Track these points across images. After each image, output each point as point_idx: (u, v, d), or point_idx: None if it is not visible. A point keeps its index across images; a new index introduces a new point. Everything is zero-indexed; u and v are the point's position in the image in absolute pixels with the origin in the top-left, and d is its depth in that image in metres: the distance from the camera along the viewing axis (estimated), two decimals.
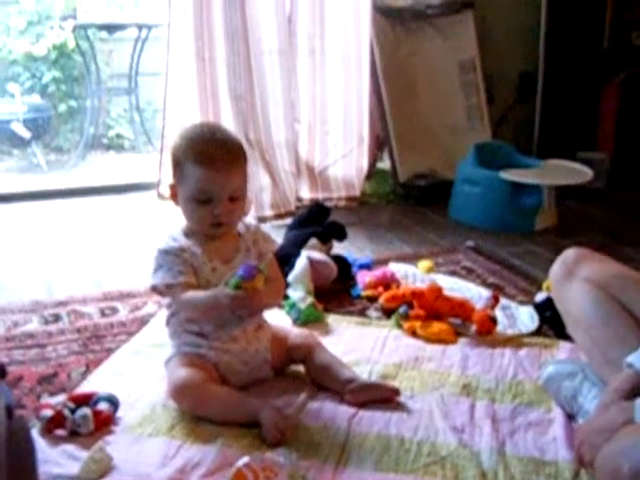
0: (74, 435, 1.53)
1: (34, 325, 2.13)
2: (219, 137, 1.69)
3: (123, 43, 4.96)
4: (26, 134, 4.67)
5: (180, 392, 1.59)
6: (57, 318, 2.18)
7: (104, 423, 1.56)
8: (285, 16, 3.26)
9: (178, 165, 1.67)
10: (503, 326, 2.07)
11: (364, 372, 1.79)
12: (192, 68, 3.19)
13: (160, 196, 3.39)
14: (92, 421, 1.54)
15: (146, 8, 4.90)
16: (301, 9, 3.34)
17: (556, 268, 1.73)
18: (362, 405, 1.63)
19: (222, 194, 1.63)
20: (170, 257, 1.65)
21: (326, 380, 1.70)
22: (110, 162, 5.12)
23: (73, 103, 5.21)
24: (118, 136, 5.36)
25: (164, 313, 1.79)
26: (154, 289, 1.67)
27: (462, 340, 2.00)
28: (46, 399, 1.68)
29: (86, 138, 4.86)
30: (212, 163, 1.62)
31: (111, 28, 4.83)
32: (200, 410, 1.57)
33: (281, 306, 2.13)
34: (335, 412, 1.61)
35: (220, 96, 3.22)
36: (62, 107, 5.19)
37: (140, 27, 4.61)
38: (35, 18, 5.03)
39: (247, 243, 1.74)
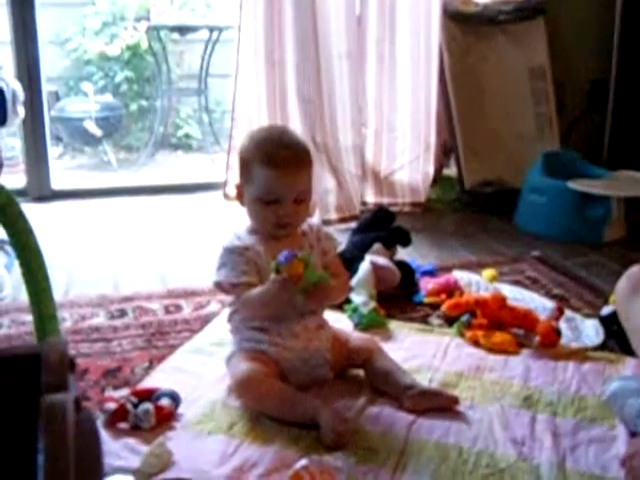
0: (136, 429, 1.55)
1: (100, 319, 2.18)
2: (286, 140, 1.72)
3: (194, 44, 5.04)
4: (98, 132, 4.78)
5: (242, 385, 1.61)
6: (123, 313, 2.22)
7: (165, 419, 1.58)
8: (355, 20, 3.27)
9: (245, 166, 1.71)
10: (567, 339, 2.03)
11: (424, 379, 1.78)
12: (261, 70, 3.22)
13: (226, 196, 3.43)
14: (154, 416, 1.56)
15: (218, 10, 4.97)
16: (371, 13, 3.34)
17: (621, 283, 1.69)
18: (421, 412, 1.62)
19: (288, 195, 1.65)
20: (234, 256, 1.68)
21: (386, 385, 1.69)
22: (178, 161, 5.20)
23: (144, 103, 5.32)
24: (187, 136, 5.45)
25: (227, 312, 1.81)
26: (217, 285, 1.70)
27: (525, 351, 1.97)
28: (110, 392, 1.71)
29: (155, 137, 4.94)
30: (279, 165, 1.65)
31: (183, 30, 4.91)
32: (260, 405, 1.59)
33: (343, 310, 2.14)
34: (394, 418, 1.60)
35: (288, 99, 3.24)
36: (133, 106, 5.30)
37: (211, 29, 4.67)
38: (110, 19, 5.15)
39: (311, 241, 1.76)
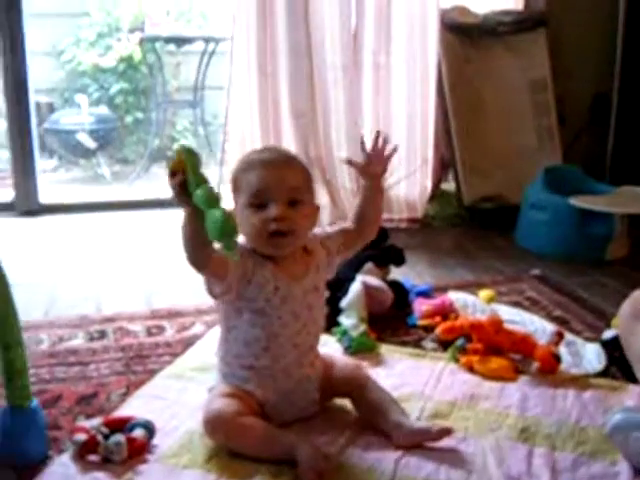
0: (107, 462, 1.46)
1: (79, 341, 2.09)
2: (272, 148, 1.64)
3: (191, 56, 4.97)
4: (92, 144, 4.71)
5: (211, 424, 1.49)
6: (103, 335, 2.13)
7: (138, 451, 1.49)
8: (350, 31, 3.20)
9: (235, 184, 1.57)
10: (567, 364, 1.92)
11: (415, 409, 1.68)
12: (254, 83, 3.16)
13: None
14: (126, 448, 1.47)
15: (214, 21, 4.90)
16: (367, 24, 3.26)
17: (624, 308, 1.60)
18: (411, 448, 1.52)
19: (278, 195, 1.49)
20: None
21: (374, 420, 1.58)
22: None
23: (139, 115, 5.24)
24: None
25: (212, 335, 1.71)
26: None
27: (522, 378, 1.86)
28: (82, 421, 1.62)
29: (150, 150, 4.87)
30: (264, 164, 1.53)
31: (178, 41, 4.84)
32: (233, 445, 1.48)
33: (332, 333, 2.04)
34: (381, 452, 1.50)
35: (282, 112, 3.18)
36: (129, 119, 5.22)
37: (207, 40, 4.61)
38: (105, 30, 5.08)
39: (318, 260, 1.60)
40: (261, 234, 1.50)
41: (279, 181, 1.51)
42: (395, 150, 1.65)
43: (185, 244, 1.40)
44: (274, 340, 1.55)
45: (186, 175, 1.34)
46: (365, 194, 1.65)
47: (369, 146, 1.61)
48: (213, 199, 1.31)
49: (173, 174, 1.35)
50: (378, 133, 1.63)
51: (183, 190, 1.33)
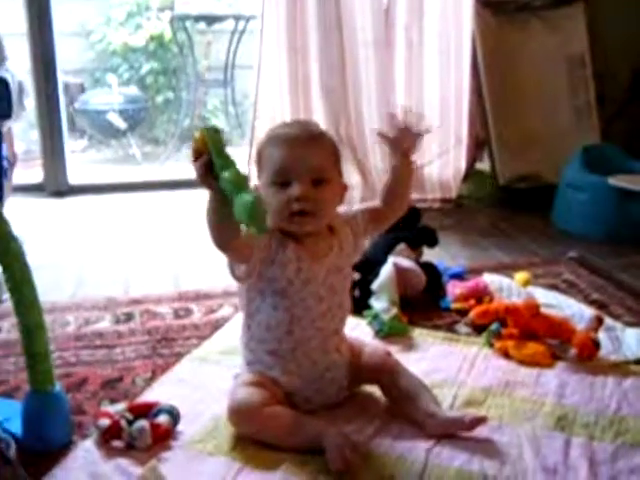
0: (130, 448, 1.43)
1: (105, 324, 2.06)
2: (300, 121, 1.60)
3: (221, 35, 4.91)
4: (122, 125, 4.69)
5: (236, 415, 1.45)
6: (129, 317, 2.10)
7: (162, 437, 1.46)
8: (381, 6, 3.12)
9: (259, 157, 1.53)
10: (606, 350, 1.85)
11: (448, 396, 1.62)
12: (284, 59, 3.10)
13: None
14: (149, 435, 1.44)
15: None
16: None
17: None
18: (443, 437, 1.46)
19: (301, 173, 1.43)
20: None
21: (405, 409, 1.53)
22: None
23: (170, 95, 5.21)
24: None
25: (239, 317, 1.67)
26: None
27: (559, 364, 1.80)
28: (106, 406, 1.58)
29: (181, 130, 4.84)
30: (287, 140, 1.47)
31: (208, 19, 4.78)
32: (259, 435, 1.43)
33: (363, 316, 1.99)
34: (411, 442, 1.45)
35: (312, 89, 3.12)
36: (159, 98, 5.19)
37: (237, 18, 4.54)
38: (135, 9, 5.04)
39: (342, 240, 1.55)
40: (284, 213, 1.46)
41: (303, 160, 1.45)
42: (428, 130, 1.58)
43: (210, 226, 1.36)
44: (297, 323, 1.50)
45: (211, 156, 1.28)
46: (394, 171, 1.60)
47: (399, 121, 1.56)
48: (241, 182, 1.25)
49: (197, 155, 1.29)
50: (408, 109, 1.57)
51: (208, 172, 1.28)
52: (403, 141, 1.56)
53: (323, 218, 1.50)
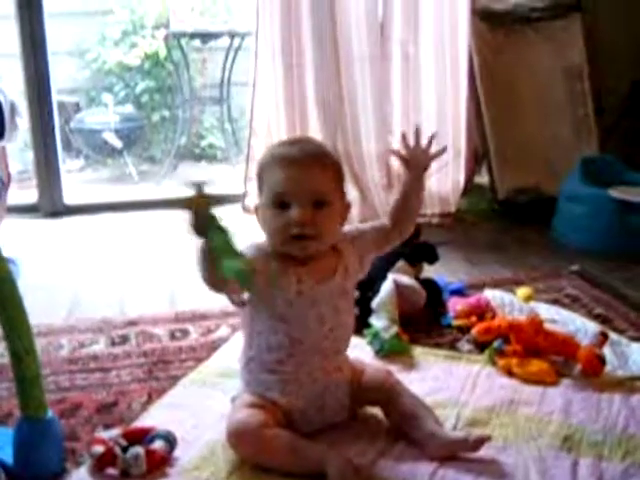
0: (125, 476, 1.39)
1: (100, 346, 2.02)
2: (301, 141, 1.57)
3: (217, 52, 4.90)
4: (118, 144, 4.66)
5: (236, 437, 1.41)
6: (125, 339, 2.06)
7: (158, 464, 1.42)
8: (377, 21, 3.10)
9: (259, 177, 1.51)
10: (612, 366, 1.82)
11: (451, 416, 1.59)
12: (279, 75, 3.09)
13: (245, 209, 3.27)
14: (144, 462, 1.40)
15: (239, 16, 4.82)
16: (395, 13, 3.15)
17: None
18: (446, 459, 1.42)
19: (301, 196, 1.41)
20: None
21: (407, 430, 1.49)
22: (202, 173, 5.06)
23: (166, 113, 5.18)
24: (210, 146, 5.30)
25: (237, 338, 1.63)
26: None
27: (564, 382, 1.76)
28: (100, 432, 1.55)
29: (178, 148, 4.81)
30: (290, 163, 1.44)
31: (204, 37, 4.76)
32: (259, 458, 1.40)
33: (363, 335, 1.95)
34: (414, 465, 1.41)
35: (308, 105, 3.10)
36: (155, 117, 5.16)
37: (232, 35, 4.52)
38: (130, 28, 5.03)
39: (347, 260, 1.52)
40: (284, 236, 1.44)
41: (303, 183, 1.43)
42: (442, 150, 1.62)
43: (200, 269, 1.39)
44: (298, 346, 1.47)
45: (201, 216, 1.31)
46: (405, 189, 1.57)
47: (412, 141, 1.55)
48: (229, 249, 1.30)
49: (193, 211, 1.31)
50: (418, 129, 1.56)
51: (199, 234, 1.33)
52: (417, 160, 1.54)
53: (325, 241, 1.47)
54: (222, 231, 1.31)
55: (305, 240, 1.43)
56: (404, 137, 1.56)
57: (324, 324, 1.49)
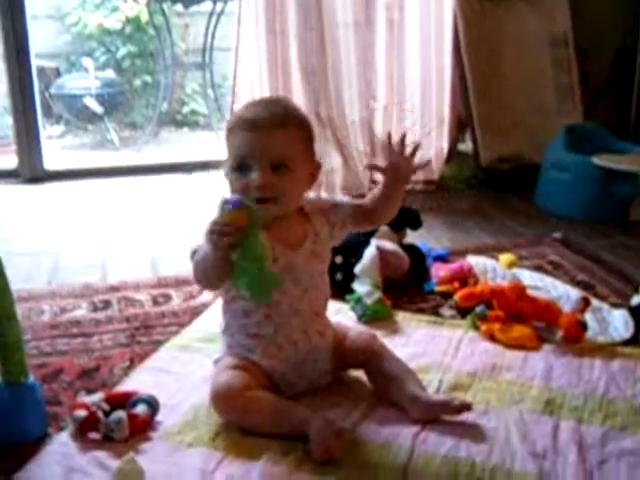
0: (108, 440, 1.38)
1: (82, 311, 2.01)
2: (267, 101, 1.54)
3: (199, 17, 4.84)
4: (99, 109, 4.61)
5: (219, 399, 1.40)
6: (107, 305, 2.05)
7: (140, 428, 1.41)
8: None
9: (226, 141, 1.49)
10: (593, 332, 1.82)
11: (434, 380, 1.59)
12: (262, 41, 3.04)
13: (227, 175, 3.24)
14: (127, 426, 1.39)
15: None
16: None
17: None
18: (429, 422, 1.43)
19: (259, 159, 1.40)
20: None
21: (389, 392, 1.49)
22: (183, 139, 5.03)
23: (148, 78, 5.13)
24: (193, 112, 5.27)
25: (219, 303, 1.62)
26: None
27: (546, 347, 1.77)
28: (83, 397, 1.54)
29: (159, 114, 4.77)
30: (252, 126, 1.42)
31: (186, 1, 4.70)
32: (242, 419, 1.40)
33: (345, 300, 1.95)
34: (397, 428, 1.41)
35: (291, 71, 3.06)
36: (137, 82, 5.12)
37: (215, 0, 4.47)
38: None
39: (316, 226, 1.52)
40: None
41: (261, 145, 1.41)
42: (424, 164, 1.62)
43: (204, 275, 1.44)
44: (275, 308, 1.47)
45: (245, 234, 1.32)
46: (385, 191, 1.53)
47: (395, 147, 1.49)
48: (262, 261, 1.34)
49: (231, 228, 1.31)
50: (404, 136, 1.50)
51: (232, 247, 1.32)
52: (398, 168, 1.50)
53: (286, 204, 1.47)
54: (256, 246, 1.33)
55: (265, 203, 1.42)
56: (389, 137, 1.51)
57: (298, 285, 1.48)
